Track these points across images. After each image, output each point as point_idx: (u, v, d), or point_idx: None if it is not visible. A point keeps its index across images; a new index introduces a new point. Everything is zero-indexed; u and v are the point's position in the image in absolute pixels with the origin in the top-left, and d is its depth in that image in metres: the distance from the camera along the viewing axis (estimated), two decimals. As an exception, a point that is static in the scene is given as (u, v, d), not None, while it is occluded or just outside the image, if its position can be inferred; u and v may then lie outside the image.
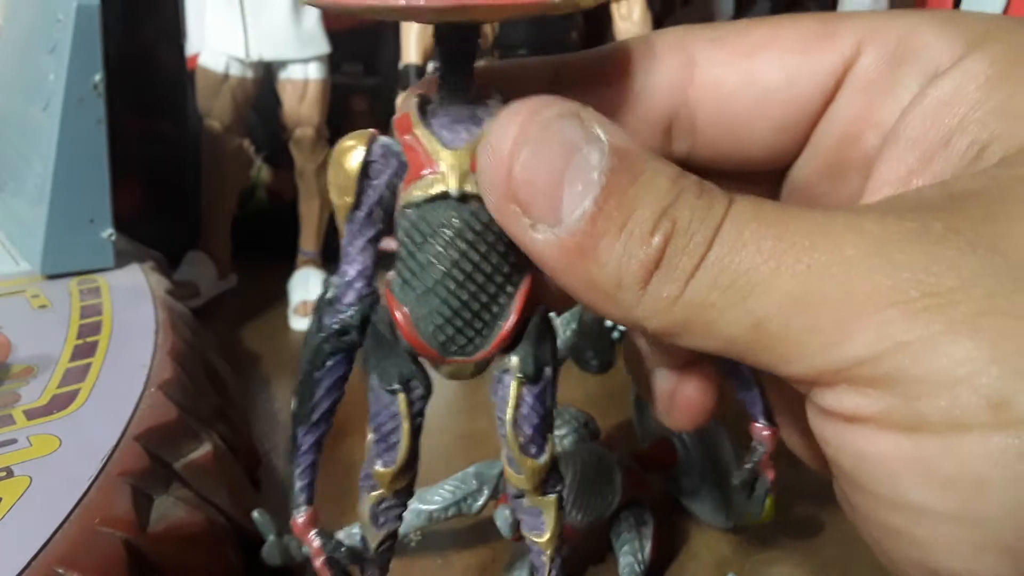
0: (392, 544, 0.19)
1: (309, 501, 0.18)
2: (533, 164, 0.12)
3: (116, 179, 0.45)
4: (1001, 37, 0.12)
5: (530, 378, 0.17)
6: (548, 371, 0.17)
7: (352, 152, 0.16)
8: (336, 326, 0.17)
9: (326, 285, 0.17)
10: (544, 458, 0.17)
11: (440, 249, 0.15)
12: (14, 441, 0.28)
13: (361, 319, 0.17)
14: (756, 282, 0.11)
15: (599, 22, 0.63)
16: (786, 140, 0.15)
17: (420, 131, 0.15)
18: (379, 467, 0.18)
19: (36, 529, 0.24)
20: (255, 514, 0.31)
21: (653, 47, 0.16)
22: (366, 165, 0.16)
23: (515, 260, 0.16)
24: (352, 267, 0.17)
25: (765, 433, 0.18)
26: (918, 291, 0.10)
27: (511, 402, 0.17)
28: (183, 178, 0.63)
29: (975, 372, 0.10)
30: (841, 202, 0.14)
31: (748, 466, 0.18)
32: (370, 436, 0.18)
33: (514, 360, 0.17)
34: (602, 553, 0.35)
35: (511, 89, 0.16)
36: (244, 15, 0.58)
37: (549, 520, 0.18)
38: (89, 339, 0.36)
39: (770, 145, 0.15)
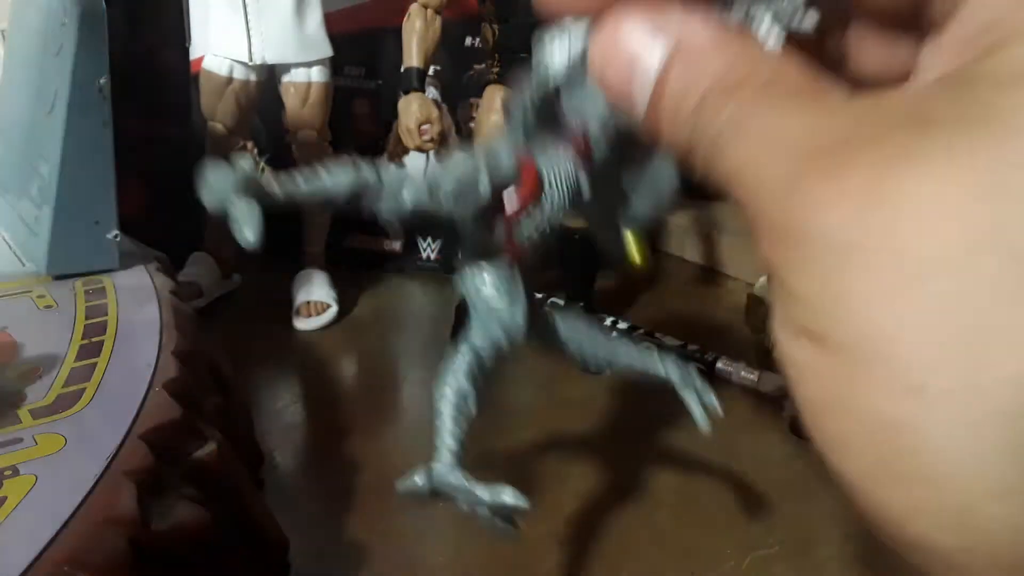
0: None
1: None
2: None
3: (121, 181, 0.45)
4: None
5: None
6: None
7: None
8: None
9: None
10: None
11: None
12: (20, 440, 0.28)
13: None
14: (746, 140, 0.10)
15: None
16: None
17: None
18: None
19: (42, 527, 0.24)
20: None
21: None
22: None
23: None
24: None
25: None
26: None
27: None
28: (187, 180, 0.63)
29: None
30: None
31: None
32: None
33: None
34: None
35: None
36: (247, 19, 0.58)
37: None
38: (94, 339, 0.36)
39: None
